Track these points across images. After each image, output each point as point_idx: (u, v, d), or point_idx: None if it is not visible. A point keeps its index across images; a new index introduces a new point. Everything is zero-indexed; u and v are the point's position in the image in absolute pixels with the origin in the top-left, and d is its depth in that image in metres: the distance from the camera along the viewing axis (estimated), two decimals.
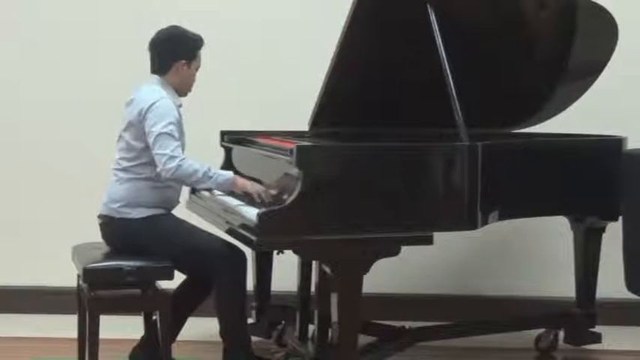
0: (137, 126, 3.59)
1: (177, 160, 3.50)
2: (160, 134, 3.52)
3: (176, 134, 3.55)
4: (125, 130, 3.65)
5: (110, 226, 3.66)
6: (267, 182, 3.64)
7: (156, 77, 3.71)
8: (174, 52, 3.69)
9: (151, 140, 3.54)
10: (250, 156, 3.98)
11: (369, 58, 3.88)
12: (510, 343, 4.33)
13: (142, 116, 3.56)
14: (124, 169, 3.64)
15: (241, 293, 3.61)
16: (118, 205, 3.62)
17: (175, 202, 3.76)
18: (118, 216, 3.62)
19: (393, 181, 3.33)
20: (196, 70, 3.75)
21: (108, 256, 3.60)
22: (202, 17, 4.59)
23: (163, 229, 3.61)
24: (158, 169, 3.54)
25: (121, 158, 3.66)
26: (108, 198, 3.66)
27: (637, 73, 4.64)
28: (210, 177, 3.55)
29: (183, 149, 3.62)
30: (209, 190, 3.71)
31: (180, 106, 3.71)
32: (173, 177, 3.52)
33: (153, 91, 3.62)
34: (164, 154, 3.50)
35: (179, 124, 3.61)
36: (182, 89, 3.75)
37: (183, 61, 3.69)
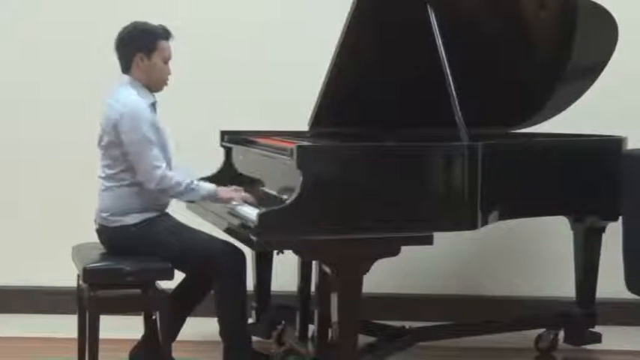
0: (112, 134, 3.55)
1: (159, 171, 3.50)
2: (138, 142, 3.49)
3: (153, 137, 3.53)
4: (102, 137, 3.62)
5: (105, 233, 3.65)
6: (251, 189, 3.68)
7: (126, 77, 3.67)
8: (130, 47, 3.64)
9: (130, 149, 3.51)
10: (250, 156, 3.98)
11: (369, 58, 3.88)
12: (510, 343, 4.33)
13: (116, 126, 3.52)
14: (107, 177, 3.62)
15: (241, 293, 3.61)
16: (107, 214, 3.61)
17: (167, 202, 3.73)
18: (110, 225, 3.62)
19: (392, 181, 3.33)
20: (163, 61, 3.66)
21: (108, 256, 3.60)
22: (202, 17, 4.60)
23: (159, 232, 3.60)
24: (141, 179, 3.53)
25: (104, 165, 3.63)
26: (99, 207, 3.66)
27: (637, 72, 4.64)
28: (193, 189, 3.55)
29: (164, 148, 3.60)
30: (191, 202, 3.72)
31: (153, 103, 3.66)
32: (156, 188, 3.51)
33: (122, 96, 3.57)
34: (146, 164, 3.50)
35: (153, 124, 3.57)
36: (152, 84, 3.67)
37: (140, 54, 3.63)
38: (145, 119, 3.53)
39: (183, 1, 4.75)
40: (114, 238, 3.62)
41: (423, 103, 3.89)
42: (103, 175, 3.64)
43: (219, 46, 4.63)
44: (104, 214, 3.62)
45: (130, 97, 3.57)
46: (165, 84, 3.72)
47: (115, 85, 3.67)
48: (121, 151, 3.55)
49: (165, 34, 3.67)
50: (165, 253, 3.54)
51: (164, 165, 3.54)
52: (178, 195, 3.58)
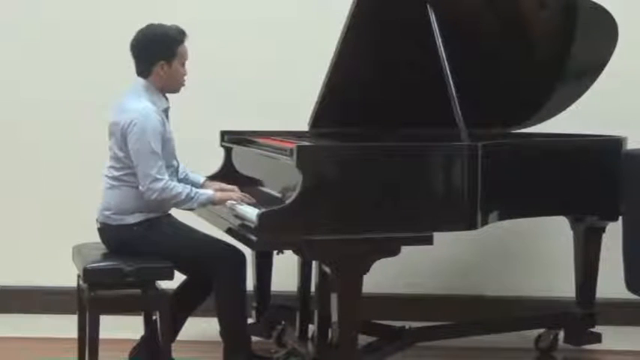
0: (121, 139, 3.55)
1: (161, 183, 3.49)
2: (143, 153, 3.49)
3: (159, 150, 3.52)
4: (111, 140, 3.62)
5: (107, 232, 3.65)
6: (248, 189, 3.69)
7: (141, 81, 3.65)
8: (151, 55, 3.60)
9: (134, 158, 3.51)
10: (250, 156, 3.98)
11: (369, 58, 3.88)
12: (510, 343, 4.33)
13: (124, 131, 3.52)
14: (114, 178, 3.62)
15: (241, 293, 3.61)
16: (111, 212, 3.62)
17: (169, 206, 3.74)
18: (113, 223, 3.62)
19: (392, 181, 3.33)
20: (182, 65, 3.65)
21: (108, 256, 3.60)
22: (201, 17, 4.60)
23: (161, 233, 3.61)
24: (142, 189, 3.52)
25: (111, 167, 3.64)
26: (102, 205, 3.66)
27: (637, 72, 4.64)
28: (192, 197, 3.56)
29: (172, 153, 3.62)
30: (191, 209, 3.69)
31: (166, 109, 3.66)
32: (157, 198, 3.51)
33: (134, 103, 3.56)
34: (148, 175, 3.49)
35: (162, 133, 3.55)
36: (170, 88, 3.67)
37: (162, 62, 3.60)
38: (154, 130, 3.51)
39: (183, 1, 4.75)
40: (115, 237, 3.62)
41: (423, 103, 3.89)
42: (109, 174, 3.64)
43: (218, 46, 4.62)
44: (107, 213, 3.62)
45: (141, 105, 3.55)
46: (183, 85, 3.71)
47: (128, 89, 3.65)
48: (127, 155, 3.55)
49: (181, 36, 3.64)
50: (165, 253, 3.54)
51: (166, 177, 3.53)
52: (179, 204, 3.58)
